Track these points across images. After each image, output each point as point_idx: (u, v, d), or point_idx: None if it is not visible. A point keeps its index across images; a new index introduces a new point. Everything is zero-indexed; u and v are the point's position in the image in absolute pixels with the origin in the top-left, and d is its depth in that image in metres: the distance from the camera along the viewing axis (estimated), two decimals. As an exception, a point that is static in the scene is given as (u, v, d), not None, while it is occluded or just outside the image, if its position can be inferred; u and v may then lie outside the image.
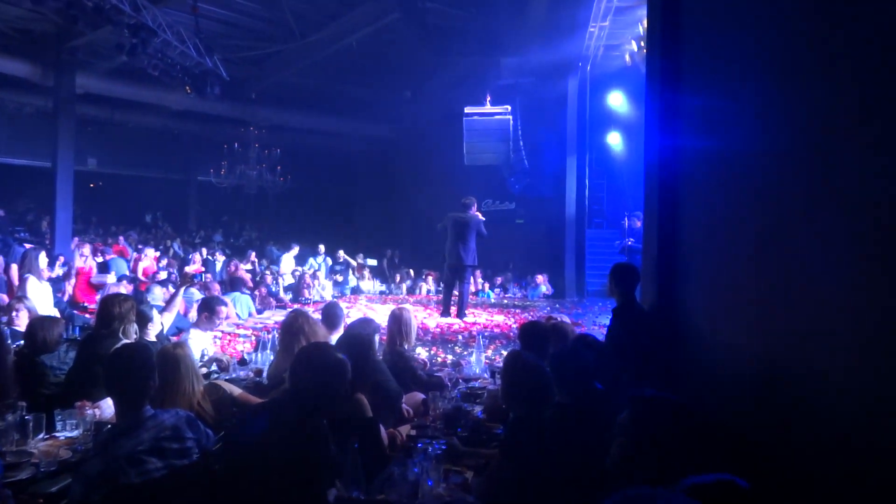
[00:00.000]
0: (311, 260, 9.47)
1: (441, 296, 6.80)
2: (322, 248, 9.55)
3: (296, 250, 9.13)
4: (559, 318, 3.41)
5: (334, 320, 3.59)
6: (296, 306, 6.73)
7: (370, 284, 9.88)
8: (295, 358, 1.68)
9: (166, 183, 13.29)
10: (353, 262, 9.63)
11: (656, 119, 2.89)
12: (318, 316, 4.44)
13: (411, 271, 10.20)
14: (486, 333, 5.14)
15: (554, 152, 9.79)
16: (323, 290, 8.60)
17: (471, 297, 8.25)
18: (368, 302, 7.39)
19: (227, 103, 10.08)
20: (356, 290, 9.41)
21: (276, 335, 3.06)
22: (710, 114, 2.26)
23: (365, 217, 13.11)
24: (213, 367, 3.13)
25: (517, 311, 7.14)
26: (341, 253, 9.58)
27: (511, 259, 11.66)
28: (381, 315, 6.35)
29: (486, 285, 9.39)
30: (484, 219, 6.23)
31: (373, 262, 10.58)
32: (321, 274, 9.00)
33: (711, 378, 2.08)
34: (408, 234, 12.37)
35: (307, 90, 11.22)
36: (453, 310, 6.43)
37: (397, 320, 3.21)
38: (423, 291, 9.49)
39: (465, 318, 6.17)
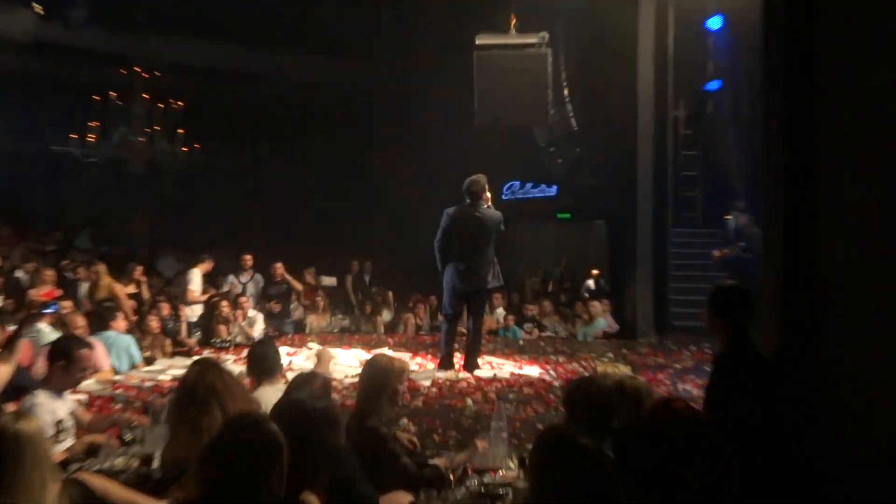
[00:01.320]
0: (231, 279, 9.54)
1: (440, 336, 6.88)
2: (249, 260, 9.64)
3: (207, 264, 9.16)
4: (626, 373, 3.49)
5: (266, 367, 3.70)
6: (206, 353, 6.93)
7: (325, 318, 10.03)
8: (208, 440, 1.72)
9: (-1, 157, 13.12)
10: (298, 286, 9.90)
11: (782, 65, 2.96)
12: (239, 368, 4.49)
13: (390, 295, 10.45)
14: (510, 396, 5.30)
15: (619, 109, 9.97)
16: (251, 326, 8.70)
17: (487, 336, 8.43)
18: (323, 345, 7.51)
19: (98, 31, 10.03)
20: (303, 327, 9.65)
21: (174, 400, 3.10)
22: (873, 55, 2.37)
23: (318, 211, 13.05)
24: (76, 450, 3.25)
25: (561, 359, 7.28)
26: (279, 268, 9.73)
27: (550, 276, 11.89)
28: (342, 367, 6.59)
29: (512, 318, 9.59)
30: (501, 216, 6.37)
31: (330, 281, 10.92)
32: (247, 301, 9.02)
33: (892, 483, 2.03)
34: (384, 236, 12.57)
35: (225, 9, 10.90)
36: (459, 358, 6.55)
37: (371, 376, 3.32)
38: (410, 328, 9.74)
39: (477, 372, 6.30)
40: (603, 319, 9.46)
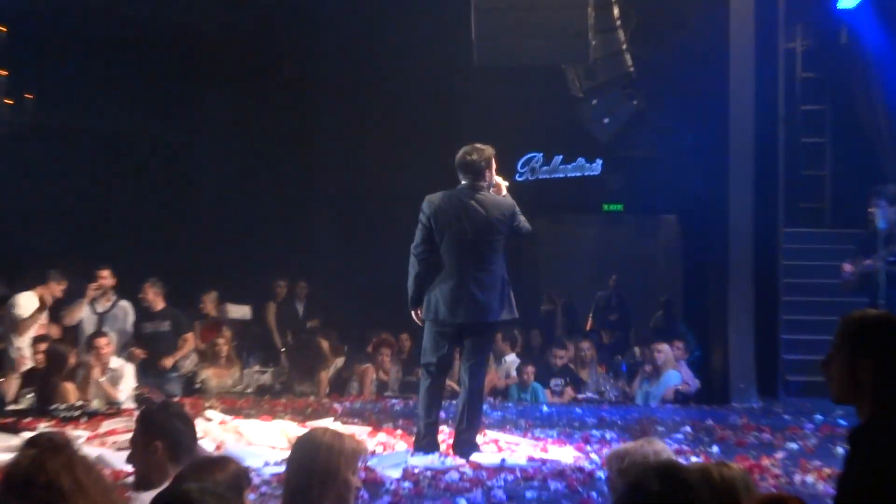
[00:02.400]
0: (83, 307, 9.51)
1: (417, 399, 6.91)
2: (107, 277, 9.56)
3: (51, 286, 9.24)
4: (711, 456, 3.43)
5: (176, 445, 3.77)
6: (43, 427, 6.86)
7: (232, 371, 10.10)
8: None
9: None
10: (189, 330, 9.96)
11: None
12: (99, 451, 4.38)
13: (334, 338, 10.62)
14: (528, 496, 5.29)
15: (699, 40, 10.14)
16: (114, 383, 8.61)
17: (491, 399, 8.56)
18: (227, 414, 7.59)
19: None
20: (197, 387, 9.79)
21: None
22: None
23: (224, 201, 12.98)
24: None
25: (609, 436, 7.34)
26: (152, 292, 9.69)
27: (593, 303, 12.09)
28: (261, 449, 6.55)
29: (531, 371, 9.75)
30: (514, 204, 6.37)
31: (241, 312, 11.17)
32: (108, 345, 8.84)
33: None
34: (325, 240, 12.65)
35: None
36: (446, 435, 6.60)
37: (306, 463, 3.39)
38: (369, 387, 9.94)
39: (475, 456, 6.29)
40: (676, 372, 9.47)
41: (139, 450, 3.87)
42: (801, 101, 11.18)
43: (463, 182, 6.19)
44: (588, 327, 12.18)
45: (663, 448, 3.68)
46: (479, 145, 6.22)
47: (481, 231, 6.13)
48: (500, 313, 6.23)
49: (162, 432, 3.86)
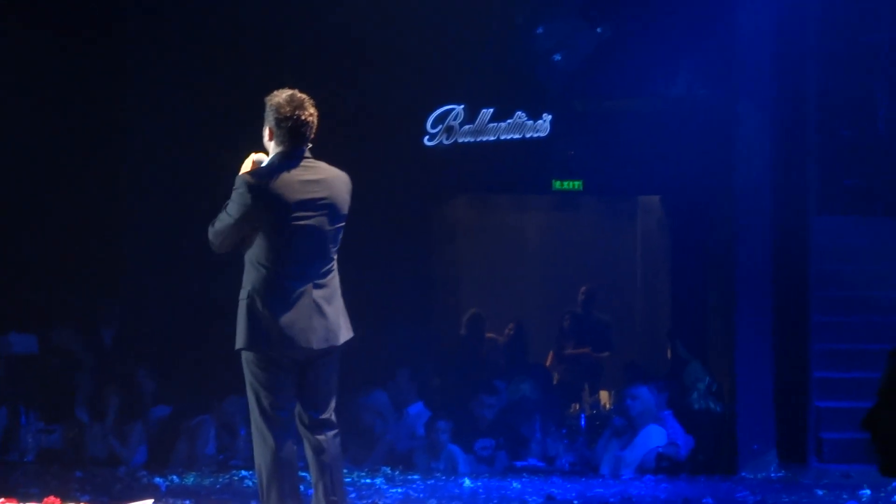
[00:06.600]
0: None
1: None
2: None
3: None
4: None
5: None
6: None
7: None
8: None
9: None
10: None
11: None
12: None
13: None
14: None
15: None
16: None
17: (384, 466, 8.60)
18: None
19: None
20: None
21: None
22: None
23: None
24: None
25: None
26: None
27: (545, 326, 12.27)
28: None
29: (447, 428, 9.40)
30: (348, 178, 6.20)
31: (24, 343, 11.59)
32: None
33: None
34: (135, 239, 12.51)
35: None
36: None
37: None
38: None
39: None
40: (658, 427, 9.15)
41: None
42: (843, 28, 10.53)
43: (283, 147, 5.96)
44: (548, 363, 11.70)
45: None
46: (291, 93, 6.01)
47: (325, 219, 5.97)
48: (340, 336, 6.13)
49: None
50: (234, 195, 5.94)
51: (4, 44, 12.03)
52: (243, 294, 6.08)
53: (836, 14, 10.46)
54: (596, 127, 10.96)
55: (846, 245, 10.21)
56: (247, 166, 6.14)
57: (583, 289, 11.87)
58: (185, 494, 8.01)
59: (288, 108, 5.92)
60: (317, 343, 5.96)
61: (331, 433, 6.04)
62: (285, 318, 5.94)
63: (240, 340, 6.03)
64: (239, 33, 11.22)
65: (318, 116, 6.05)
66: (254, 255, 6.04)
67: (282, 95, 6.02)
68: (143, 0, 12.27)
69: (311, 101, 6.02)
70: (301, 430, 6.12)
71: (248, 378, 6.04)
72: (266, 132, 6.06)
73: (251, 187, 5.91)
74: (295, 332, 5.91)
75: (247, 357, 5.99)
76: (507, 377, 10.60)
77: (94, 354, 11.37)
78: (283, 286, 6.02)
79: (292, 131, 5.92)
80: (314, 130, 6.01)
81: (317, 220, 5.96)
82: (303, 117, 5.91)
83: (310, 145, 6.03)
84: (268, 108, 6.02)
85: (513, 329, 11.86)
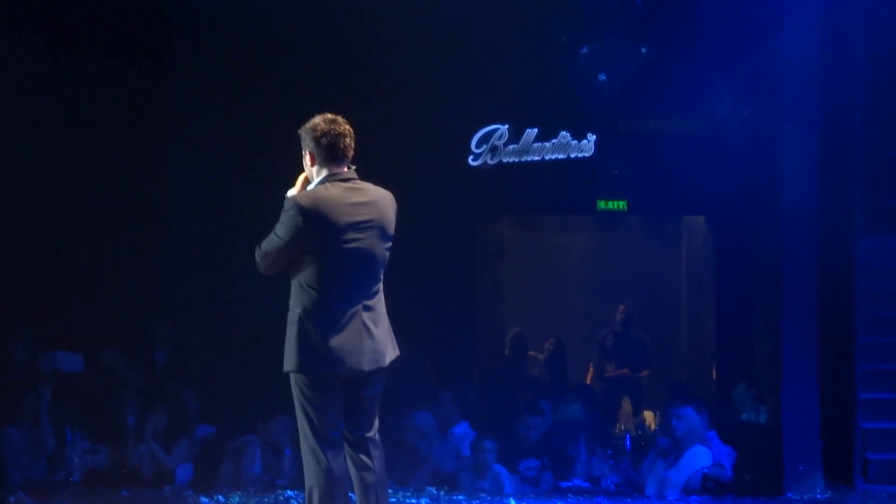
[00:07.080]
0: None
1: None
2: None
3: None
4: None
5: None
6: None
7: None
8: None
9: None
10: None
11: None
12: None
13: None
14: None
15: None
16: None
17: (430, 486, 8.49)
18: None
19: None
20: None
21: None
22: None
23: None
24: None
25: None
26: None
27: (588, 345, 12.15)
28: None
29: (493, 448, 9.24)
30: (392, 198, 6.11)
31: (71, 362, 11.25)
32: None
33: None
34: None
35: None
36: None
37: None
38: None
39: None
40: (704, 448, 8.98)
41: None
42: (889, 48, 10.32)
43: (327, 171, 5.85)
44: (588, 380, 11.73)
45: None
46: (330, 119, 5.90)
47: (372, 241, 5.89)
48: (386, 357, 6.06)
49: None
50: (285, 217, 5.89)
51: (58, 73, 12.02)
52: (293, 316, 6.03)
53: (881, 34, 10.37)
54: (640, 147, 11.05)
55: (893, 265, 10.03)
56: (297, 186, 6.12)
57: (621, 308, 11.90)
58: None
59: (323, 125, 5.88)
60: (367, 365, 5.94)
61: (376, 452, 6.00)
62: (336, 340, 5.92)
63: (290, 363, 6.02)
64: (283, 57, 11.21)
65: (353, 135, 5.95)
66: (303, 277, 6.00)
67: (315, 118, 5.97)
68: (185, 29, 12.27)
69: (345, 119, 5.97)
70: (346, 449, 6.06)
71: (297, 399, 6.02)
72: (307, 157, 6.02)
73: (302, 209, 5.82)
74: (346, 354, 5.89)
75: (296, 378, 5.97)
76: (552, 397, 10.57)
77: (141, 374, 11.41)
78: (334, 308, 5.96)
79: (331, 147, 5.86)
80: (352, 147, 5.93)
81: (367, 242, 5.91)
82: (339, 130, 5.86)
83: (354, 167, 5.99)
84: (304, 135, 6.03)
85: (552, 344, 11.84)
